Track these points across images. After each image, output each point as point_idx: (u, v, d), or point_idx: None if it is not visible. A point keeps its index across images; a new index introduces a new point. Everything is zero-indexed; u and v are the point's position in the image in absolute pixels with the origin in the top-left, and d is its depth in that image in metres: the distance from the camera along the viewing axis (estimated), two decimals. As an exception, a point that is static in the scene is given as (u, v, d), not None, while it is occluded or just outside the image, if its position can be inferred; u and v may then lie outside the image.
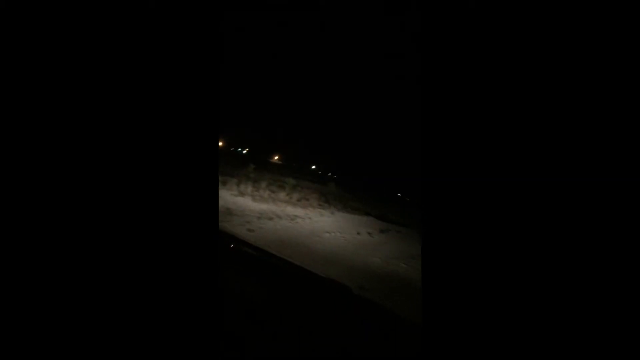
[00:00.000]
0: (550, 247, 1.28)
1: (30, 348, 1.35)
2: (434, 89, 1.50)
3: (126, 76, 1.51)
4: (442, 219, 1.44)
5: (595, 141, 1.26)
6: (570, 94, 1.29)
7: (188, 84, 1.58)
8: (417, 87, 1.57)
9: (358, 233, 11.36)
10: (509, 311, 1.31)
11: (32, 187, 1.39)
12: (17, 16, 1.38)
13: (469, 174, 1.41)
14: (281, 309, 1.93)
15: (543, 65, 1.33)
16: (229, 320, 1.70)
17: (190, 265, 1.54)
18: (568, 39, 1.30)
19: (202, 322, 1.51)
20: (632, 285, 1.19)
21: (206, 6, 1.57)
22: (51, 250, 1.40)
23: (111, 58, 1.49)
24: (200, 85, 1.59)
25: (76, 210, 1.43)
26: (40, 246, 1.39)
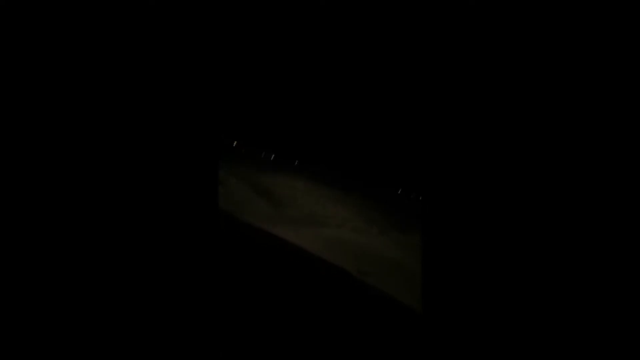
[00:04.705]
0: (547, 247, 1.29)
1: (32, 338, 1.35)
2: (434, 88, 1.51)
3: (126, 75, 1.51)
4: (441, 217, 1.45)
5: (594, 141, 1.27)
6: (570, 93, 1.30)
7: (188, 84, 1.58)
8: (417, 87, 1.57)
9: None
10: (507, 304, 1.32)
11: (43, 183, 1.41)
12: (17, 16, 1.39)
13: (468, 173, 1.42)
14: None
15: (542, 64, 1.34)
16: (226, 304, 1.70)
17: (192, 253, 1.55)
18: (567, 39, 1.30)
19: (202, 311, 1.53)
20: (619, 284, 1.20)
21: (206, 6, 1.58)
22: (53, 245, 1.41)
23: (111, 57, 1.49)
24: (200, 84, 1.60)
25: (78, 204, 1.44)
26: (45, 242, 1.40)
